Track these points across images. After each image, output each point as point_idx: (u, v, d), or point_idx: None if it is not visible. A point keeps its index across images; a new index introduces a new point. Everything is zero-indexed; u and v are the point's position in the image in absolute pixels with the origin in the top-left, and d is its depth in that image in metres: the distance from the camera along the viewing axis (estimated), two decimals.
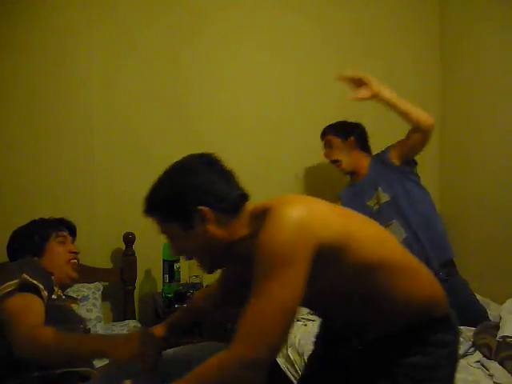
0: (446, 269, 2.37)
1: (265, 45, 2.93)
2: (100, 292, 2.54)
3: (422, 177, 3.25)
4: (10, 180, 2.53)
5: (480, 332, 2.03)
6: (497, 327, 2.01)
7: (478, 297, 2.48)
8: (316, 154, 3.05)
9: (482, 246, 2.90)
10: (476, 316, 2.22)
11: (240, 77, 2.90)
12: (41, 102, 2.55)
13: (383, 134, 3.18)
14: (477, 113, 2.96)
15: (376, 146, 3.14)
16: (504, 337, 1.92)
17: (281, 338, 1.09)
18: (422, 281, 1.28)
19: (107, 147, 2.68)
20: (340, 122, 2.66)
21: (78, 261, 1.91)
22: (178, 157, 3.17)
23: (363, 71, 3.09)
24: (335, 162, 2.62)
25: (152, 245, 2.62)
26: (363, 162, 2.58)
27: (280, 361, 2.27)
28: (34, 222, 1.97)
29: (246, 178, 3.14)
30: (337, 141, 2.61)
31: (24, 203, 2.54)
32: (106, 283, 2.65)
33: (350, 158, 2.58)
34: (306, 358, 2.04)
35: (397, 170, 2.48)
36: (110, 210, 2.69)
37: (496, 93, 2.80)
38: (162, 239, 2.57)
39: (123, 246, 2.63)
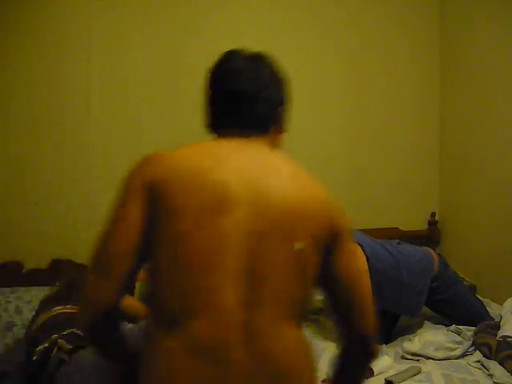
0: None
1: (264, 40, 2.92)
2: None
3: (422, 177, 3.26)
4: (9, 178, 2.53)
5: (480, 331, 2.03)
6: (497, 327, 2.01)
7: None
8: (314, 152, 3.05)
9: (481, 246, 2.89)
10: (472, 311, 2.21)
11: None
12: (40, 99, 2.55)
13: (386, 132, 3.19)
14: (476, 111, 2.94)
15: (379, 147, 3.14)
16: (504, 336, 1.91)
17: None
18: None
19: (107, 145, 2.67)
20: None
21: None
22: None
23: (362, 67, 3.10)
24: None
25: None
26: None
27: None
28: None
29: None
30: None
31: (23, 200, 2.54)
32: None
33: None
34: None
35: None
36: (110, 209, 2.68)
37: (496, 90, 2.79)
38: None
39: None
